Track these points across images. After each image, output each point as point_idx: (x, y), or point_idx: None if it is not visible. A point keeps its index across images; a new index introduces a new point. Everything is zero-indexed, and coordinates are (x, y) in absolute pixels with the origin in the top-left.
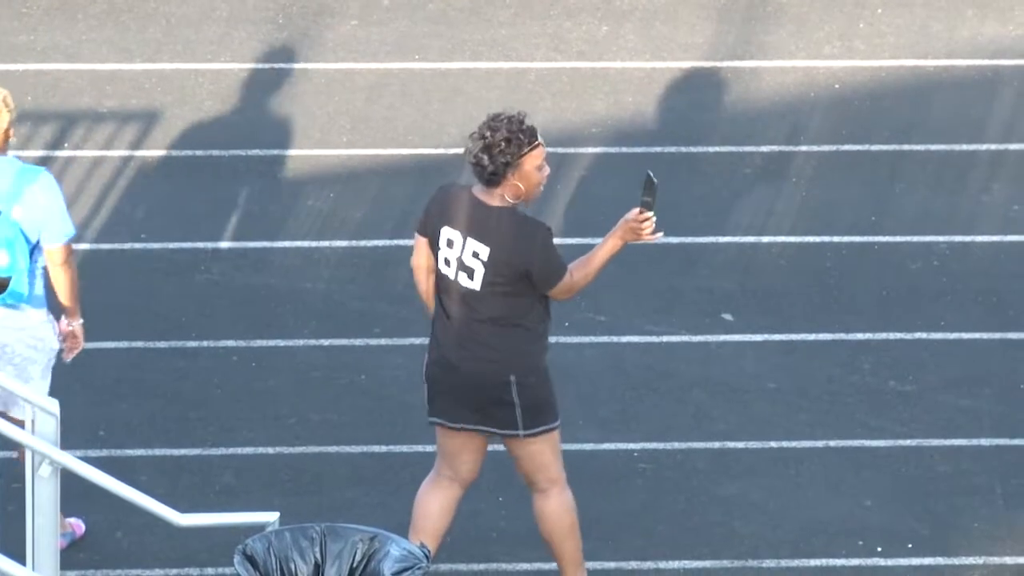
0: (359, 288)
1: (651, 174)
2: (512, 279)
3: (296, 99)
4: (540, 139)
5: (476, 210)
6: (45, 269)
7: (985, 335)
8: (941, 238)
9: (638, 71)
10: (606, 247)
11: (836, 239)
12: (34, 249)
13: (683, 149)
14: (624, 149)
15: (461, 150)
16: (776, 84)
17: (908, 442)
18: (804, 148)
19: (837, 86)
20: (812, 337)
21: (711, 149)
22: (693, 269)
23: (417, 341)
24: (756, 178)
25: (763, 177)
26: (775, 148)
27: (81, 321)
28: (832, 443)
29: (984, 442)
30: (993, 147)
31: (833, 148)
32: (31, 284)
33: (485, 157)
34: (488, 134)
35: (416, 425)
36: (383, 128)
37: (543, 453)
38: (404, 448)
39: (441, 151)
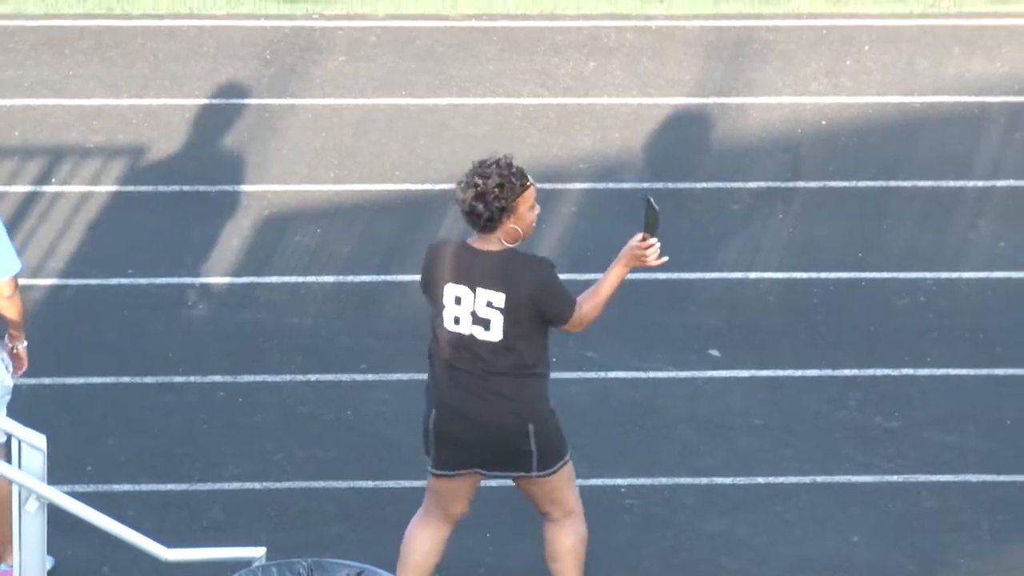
0: (346, 324)
1: (651, 200)
2: (530, 319)
3: (283, 134)
4: (530, 179)
5: (478, 260)
6: None
7: (972, 371)
8: (928, 274)
9: (625, 107)
10: (612, 276)
11: (823, 275)
12: None
13: (670, 185)
14: (611, 185)
15: (448, 186)
16: (763, 120)
17: (895, 478)
18: (791, 184)
19: (824, 122)
20: (799, 373)
21: (698, 185)
22: (680, 305)
23: (405, 377)
24: (743, 214)
25: (750, 213)
26: (762, 184)
27: (25, 344)
28: (819, 479)
29: (971, 478)
30: (980, 184)
31: (820, 184)
32: None
33: (480, 205)
34: (480, 182)
35: (402, 461)
36: (370, 163)
37: (558, 488)
38: (391, 484)
39: (428, 187)
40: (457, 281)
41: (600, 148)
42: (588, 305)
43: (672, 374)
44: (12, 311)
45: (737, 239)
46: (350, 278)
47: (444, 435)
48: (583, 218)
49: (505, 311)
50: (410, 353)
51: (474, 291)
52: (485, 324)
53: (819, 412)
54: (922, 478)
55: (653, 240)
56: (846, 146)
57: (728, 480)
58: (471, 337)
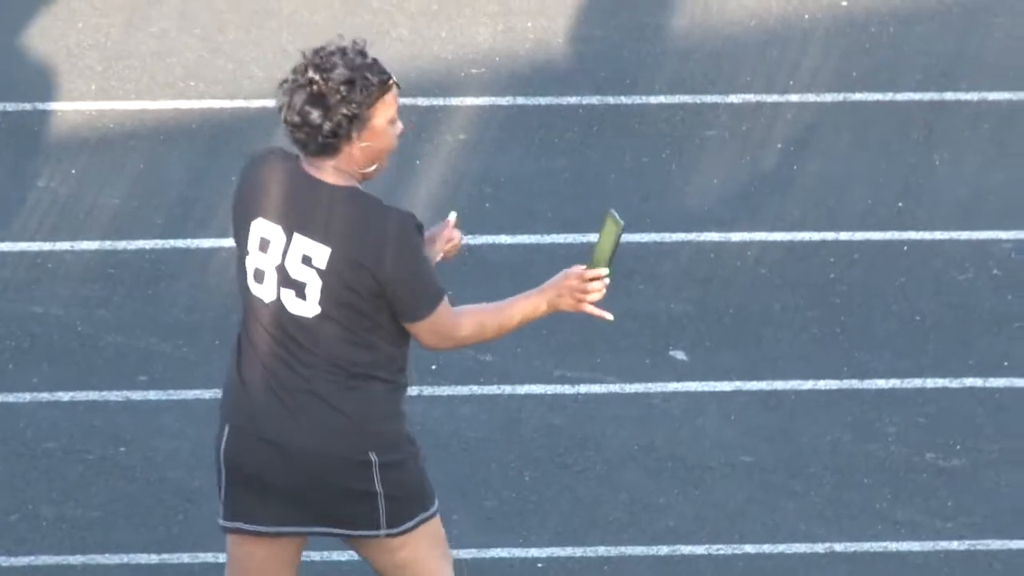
0: (116, 314)
1: (615, 213)
2: (363, 296)
3: (13, 27)
4: (392, 75)
5: (305, 193)
6: None
7: None
8: (1003, 234)
9: None
10: (528, 306)
11: (843, 236)
12: None
13: (610, 100)
14: (520, 100)
15: (271, 102)
16: (751, 1)
17: (954, 544)
18: (795, 98)
19: (844, 4)
20: (808, 385)
21: (652, 100)
22: (628, 283)
23: (206, 395)
24: (722, 143)
25: (732, 142)
26: (750, 98)
27: None
28: (839, 547)
29: None
30: None
31: (839, 98)
32: None
33: (316, 112)
34: (317, 77)
35: (203, 522)
36: (152, 70)
37: (420, 559)
38: (185, 557)
39: (240, 104)
40: (268, 216)
41: (504, 45)
42: (473, 320)
43: (615, 388)
44: None
45: (712, 180)
46: (122, 244)
47: (238, 468)
48: (478, 150)
49: (325, 274)
50: (213, 358)
51: (289, 236)
52: (298, 289)
53: (839, 444)
54: (995, 544)
55: (603, 273)
56: (878, 41)
57: (701, 549)
58: (278, 306)
